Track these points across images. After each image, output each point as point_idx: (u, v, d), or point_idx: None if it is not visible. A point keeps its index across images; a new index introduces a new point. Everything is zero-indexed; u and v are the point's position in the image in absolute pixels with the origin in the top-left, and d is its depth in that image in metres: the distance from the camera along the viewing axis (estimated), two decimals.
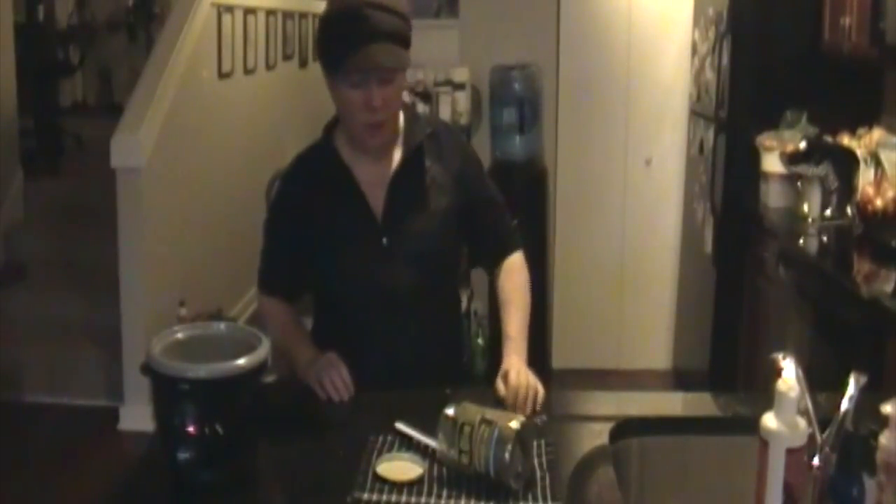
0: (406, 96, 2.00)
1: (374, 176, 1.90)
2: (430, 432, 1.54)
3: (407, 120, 1.94)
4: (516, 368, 1.76)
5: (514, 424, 1.45)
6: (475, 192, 1.97)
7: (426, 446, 1.55)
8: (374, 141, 1.86)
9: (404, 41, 1.80)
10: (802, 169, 3.45)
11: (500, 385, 1.74)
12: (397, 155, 1.91)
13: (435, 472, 1.50)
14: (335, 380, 1.76)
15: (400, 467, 1.50)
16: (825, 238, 3.35)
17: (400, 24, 1.78)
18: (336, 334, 1.92)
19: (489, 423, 1.46)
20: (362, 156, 1.90)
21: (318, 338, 1.97)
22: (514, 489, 1.43)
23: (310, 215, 1.90)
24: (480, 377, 3.42)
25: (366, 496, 1.43)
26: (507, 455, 1.42)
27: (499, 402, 1.70)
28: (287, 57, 6.30)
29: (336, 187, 1.89)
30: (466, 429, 1.47)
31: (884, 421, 1.28)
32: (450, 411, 1.51)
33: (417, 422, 1.60)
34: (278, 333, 1.96)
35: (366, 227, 1.88)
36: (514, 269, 2.00)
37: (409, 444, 1.57)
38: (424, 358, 1.88)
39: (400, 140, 1.92)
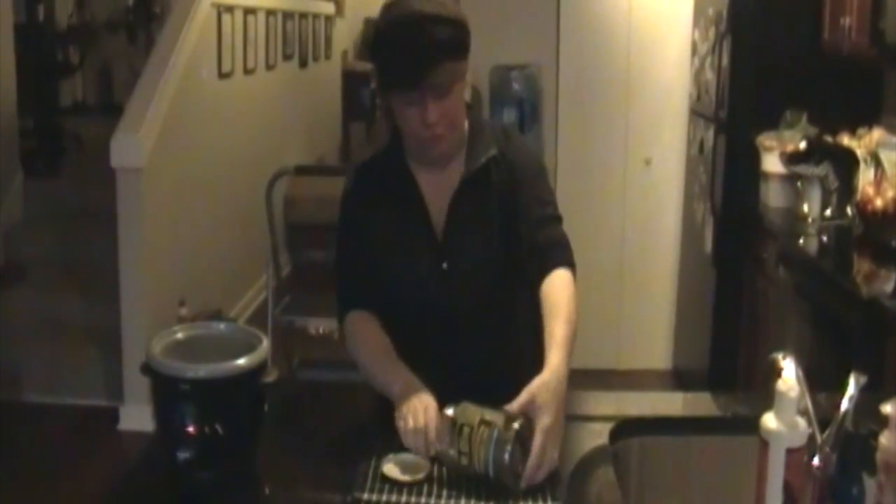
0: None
1: (438, 187, 1.82)
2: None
3: (472, 132, 1.82)
4: (551, 410, 1.51)
5: (514, 425, 1.45)
6: (524, 208, 1.82)
7: None
8: (433, 152, 1.78)
9: (461, 49, 1.72)
10: (802, 169, 3.45)
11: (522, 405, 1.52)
12: (462, 166, 1.82)
13: (436, 473, 1.50)
14: (418, 436, 1.56)
15: (406, 467, 1.50)
16: (825, 238, 3.35)
17: (455, 34, 1.69)
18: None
19: (488, 423, 1.46)
20: (426, 164, 1.83)
21: None
22: (513, 490, 1.43)
23: (374, 223, 1.83)
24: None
25: (366, 496, 1.43)
26: (506, 456, 1.42)
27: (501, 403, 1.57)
28: (287, 57, 6.31)
29: (400, 196, 1.82)
30: (466, 430, 1.46)
31: (884, 421, 1.28)
32: (449, 412, 1.50)
33: None
34: (366, 360, 1.78)
35: (426, 249, 1.81)
36: (562, 282, 1.76)
37: None
38: (481, 377, 1.75)
39: (465, 151, 1.82)
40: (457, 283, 1.80)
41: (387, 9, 1.72)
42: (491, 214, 1.81)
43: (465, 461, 1.46)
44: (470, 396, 1.56)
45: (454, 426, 1.48)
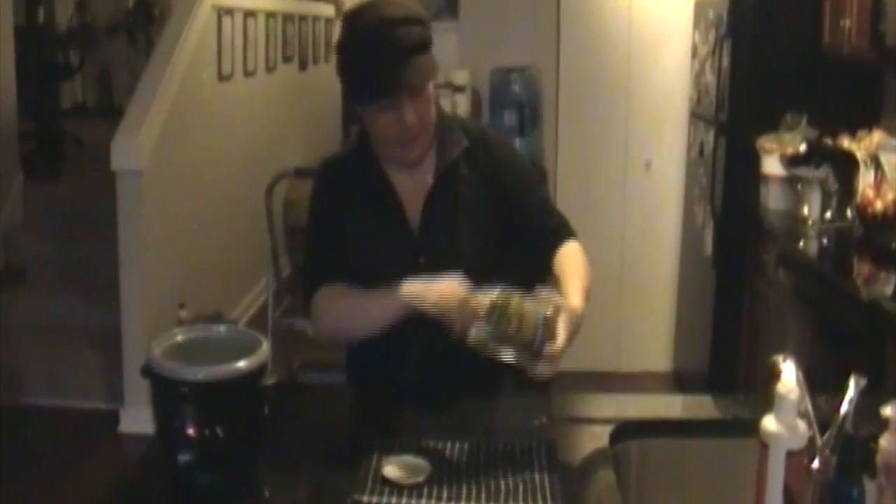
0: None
1: (412, 183, 1.82)
2: (433, 435, 1.54)
3: (441, 128, 1.82)
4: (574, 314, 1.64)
5: (558, 300, 1.59)
6: (516, 200, 1.86)
7: (433, 448, 1.54)
8: (410, 155, 1.77)
9: (427, 44, 1.71)
10: (802, 171, 3.45)
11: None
12: (434, 161, 1.83)
13: (436, 476, 1.50)
14: (464, 306, 1.61)
15: (406, 469, 1.50)
16: (825, 240, 3.35)
17: (419, 32, 1.69)
18: (369, 348, 1.83)
19: (536, 300, 1.56)
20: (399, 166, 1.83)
21: (353, 349, 1.93)
22: (538, 372, 1.56)
23: (346, 221, 1.83)
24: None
25: (366, 498, 1.43)
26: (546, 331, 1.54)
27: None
28: (287, 59, 6.31)
29: (373, 195, 1.82)
30: (515, 300, 1.55)
31: (884, 423, 1.28)
32: (488, 300, 1.57)
33: (417, 423, 1.60)
34: (349, 302, 1.79)
35: (402, 244, 1.82)
36: (573, 250, 1.88)
37: (416, 446, 1.57)
38: (458, 374, 1.76)
39: (435, 149, 1.82)
40: (434, 277, 1.79)
41: (350, 19, 1.71)
42: (466, 206, 1.82)
43: (513, 327, 1.54)
44: (450, 390, 1.58)
45: (500, 305, 1.56)
